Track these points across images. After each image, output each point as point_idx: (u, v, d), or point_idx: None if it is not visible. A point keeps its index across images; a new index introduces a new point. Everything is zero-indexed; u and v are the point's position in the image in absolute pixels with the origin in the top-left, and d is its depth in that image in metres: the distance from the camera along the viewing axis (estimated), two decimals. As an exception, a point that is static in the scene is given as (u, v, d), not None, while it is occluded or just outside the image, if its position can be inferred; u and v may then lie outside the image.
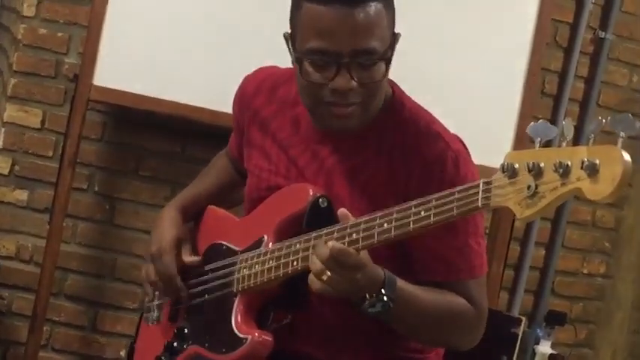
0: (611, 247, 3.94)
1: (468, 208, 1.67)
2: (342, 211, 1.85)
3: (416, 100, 2.09)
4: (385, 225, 1.77)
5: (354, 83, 1.91)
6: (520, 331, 2.27)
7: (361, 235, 1.80)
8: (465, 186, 1.68)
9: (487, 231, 3.44)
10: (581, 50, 3.74)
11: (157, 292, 2.24)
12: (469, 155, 2.03)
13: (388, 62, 1.95)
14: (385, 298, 1.83)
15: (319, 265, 1.81)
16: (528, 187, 1.57)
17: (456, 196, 1.69)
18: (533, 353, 3.74)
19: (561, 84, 3.75)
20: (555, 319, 3.75)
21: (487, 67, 3.32)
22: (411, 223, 1.75)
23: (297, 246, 1.92)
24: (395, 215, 1.77)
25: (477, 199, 1.65)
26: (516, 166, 1.60)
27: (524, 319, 2.29)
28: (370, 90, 1.94)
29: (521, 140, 3.33)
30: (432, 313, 1.94)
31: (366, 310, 1.84)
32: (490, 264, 3.31)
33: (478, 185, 1.65)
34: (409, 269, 1.98)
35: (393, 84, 2.07)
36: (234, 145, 2.30)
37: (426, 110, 2.07)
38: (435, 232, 1.90)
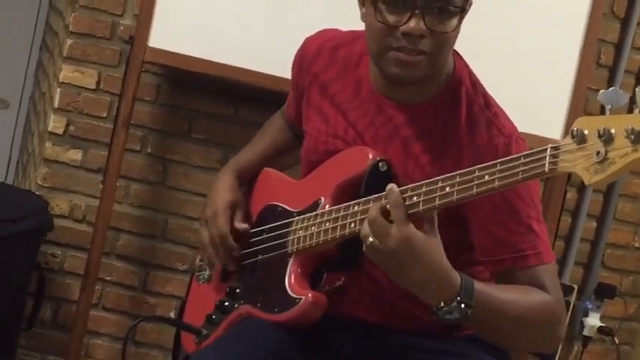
0: (663, 221, 3.90)
1: (534, 173, 1.64)
2: (390, 186, 1.80)
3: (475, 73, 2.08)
4: (447, 189, 1.74)
5: (425, 29, 1.90)
6: (572, 299, 2.25)
7: (422, 198, 1.76)
8: (532, 151, 1.65)
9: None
10: (639, 21, 3.69)
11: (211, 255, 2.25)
12: (522, 141, 2.00)
13: (462, 16, 1.93)
14: (462, 306, 1.79)
15: (366, 227, 1.79)
16: (597, 153, 1.54)
17: (522, 160, 1.65)
18: (582, 325, 3.71)
19: (617, 55, 3.71)
20: (605, 292, 3.72)
21: (542, 37, 3.29)
22: (475, 187, 1.71)
23: (356, 208, 1.90)
24: (458, 179, 1.74)
25: (544, 163, 1.62)
26: (586, 132, 1.57)
27: (576, 287, 2.27)
28: (440, 41, 1.93)
29: (576, 111, 3.30)
30: (513, 315, 1.87)
31: (443, 316, 1.80)
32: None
33: (545, 150, 1.62)
34: (477, 263, 1.96)
35: (456, 57, 2.06)
36: (291, 107, 2.30)
37: (483, 90, 2.05)
38: (498, 218, 1.91)
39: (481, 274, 1.95)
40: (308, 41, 2.22)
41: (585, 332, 3.71)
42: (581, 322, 3.72)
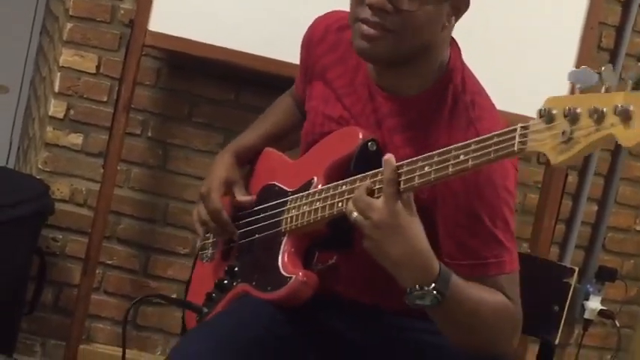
0: (664, 204, 3.90)
1: (505, 152, 1.65)
2: (388, 156, 1.83)
3: (471, 54, 2.06)
4: (426, 168, 1.76)
5: (388, 4, 1.90)
6: (573, 281, 2.26)
7: (403, 177, 1.79)
8: (503, 130, 1.66)
9: (539, 185, 3.43)
10: (640, 4, 3.70)
11: (207, 233, 2.28)
12: None
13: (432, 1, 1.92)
14: (435, 293, 1.80)
15: (350, 204, 1.83)
16: (563, 133, 1.55)
17: (494, 140, 1.67)
18: (583, 309, 3.72)
19: (618, 38, 3.70)
20: (606, 275, 3.73)
21: (544, 20, 3.28)
22: (450, 166, 1.73)
23: (343, 187, 1.92)
24: (435, 159, 1.76)
25: (514, 143, 1.63)
26: (554, 111, 1.58)
27: (576, 269, 2.27)
28: (406, 20, 1.91)
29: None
30: (478, 313, 1.87)
31: (413, 300, 1.81)
32: (542, 218, 3.33)
33: (515, 130, 1.64)
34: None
35: (454, 50, 2.04)
36: (299, 86, 2.30)
37: (473, 87, 2.03)
38: (461, 221, 1.91)
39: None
40: (316, 22, 2.23)
41: (586, 315, 3.72)
42: (582, 306, 3.73)
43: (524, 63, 3.25)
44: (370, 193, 1.83)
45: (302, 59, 2.25)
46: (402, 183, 1.79)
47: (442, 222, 1.94)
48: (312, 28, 2.22)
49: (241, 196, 2.23)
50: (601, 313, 3.72)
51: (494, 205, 1.93)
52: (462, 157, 1.71)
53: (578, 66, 3.26)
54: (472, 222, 1.91)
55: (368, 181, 1.84)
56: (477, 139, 1.70)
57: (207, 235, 2.31)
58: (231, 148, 2.33)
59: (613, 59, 3.68)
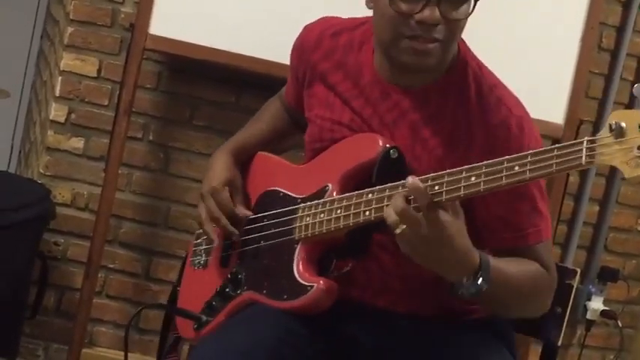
0: (666, 204, 3.90)
1: (570, 165, 1.64)
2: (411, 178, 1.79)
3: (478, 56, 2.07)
4: (473, 179, 1.74)
5: (440, 17, 1.90)
6: (575, 282, 2.25)
7: (445, 188, 1.76)
8: (566, 143, 1.65)
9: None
10: (640, 4, 3.69)
11: (205, 237, 2.22)
12: (531, 120, 2.01)
13: (474, 2, 1.92)
14: (480, 281, 1.82)
15: (393, 216, 1.79)
16: (639, 147, 1.56)
17: (555, 153, 1.65)
18: (585, 309, 3.73)
19: (619, 39, 3.70)
20: (608, 276, 3.73)
21: (544, 21, 3.28)
22: (504, 177, 1.71)
23: (370, 196, 1.89)
24: (484, 170, 1.73)
25: (581, 156, 1.62)
26: (623, 125, 1.58)
27: (579, 270, 2.27)
28: (453, 29, 1.93)
29: (577, 95, 3.30)
30: (518, 287, 1.93)
31: (458, 292, 1.83)
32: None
33: (582, 142, 1.63)
34: (477, 238, 1.93)
35: (460, 40, 2.04)
36: (290, 93, 2.29)
37: (489, 71, 2.05)
38: (503, 198, 1.91)
39: None
40: (308, 29, 2.20)
41: (588, 316, 3.73)
42: (585, 306, 3.74)
43: (525, 63, 3.25)
44: (408, 202, 1.80)
45: (293, 66, 2.23)
46: (444, 194, 1.76)
47: (482, 201, 1.93)
48: (303, 35, 2.20)
49: (241, 209, 2.19)
50: (603, 313, 3.73)
51: None
52: (517, 169, 1.70)
53: (578, 66, 3.29)
54: (518, 200, 1.94)
55: (403, 190, 1.81)
56: (532, 151, 1.69)
57: (198, 242, 2.29)
58: (227, 147, 2.30)
59: (613, 60, 3.68)
